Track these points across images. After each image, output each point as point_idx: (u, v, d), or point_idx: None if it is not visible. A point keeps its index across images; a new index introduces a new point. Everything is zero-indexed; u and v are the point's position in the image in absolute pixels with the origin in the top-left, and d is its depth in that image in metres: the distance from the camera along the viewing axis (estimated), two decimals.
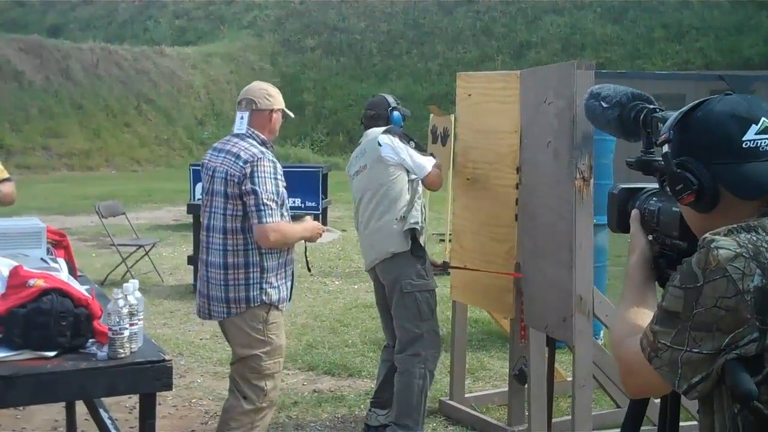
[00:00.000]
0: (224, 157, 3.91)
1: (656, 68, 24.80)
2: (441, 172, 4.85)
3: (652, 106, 1.87)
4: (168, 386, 2.80)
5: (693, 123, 1.59)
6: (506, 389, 4.99)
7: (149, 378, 2.75)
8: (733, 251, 1.45)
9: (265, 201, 3.76)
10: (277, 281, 3.90)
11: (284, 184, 3.92)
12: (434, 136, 9.01)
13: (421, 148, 4.80)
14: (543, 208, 4.21)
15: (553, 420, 4.62)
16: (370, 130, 4.80)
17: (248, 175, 3.77)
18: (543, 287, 4.24)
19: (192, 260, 8.55)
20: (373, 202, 4.65)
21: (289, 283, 3.98)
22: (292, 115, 4.25)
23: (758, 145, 1.53)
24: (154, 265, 9.36)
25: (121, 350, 2.73)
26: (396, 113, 4.85)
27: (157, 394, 2.85)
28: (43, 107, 25.66)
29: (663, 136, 1.64)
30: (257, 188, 3.76)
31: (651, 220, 1.84)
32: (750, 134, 1.53)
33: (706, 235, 1.50)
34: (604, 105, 1.91)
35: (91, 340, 2.82)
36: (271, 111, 4.03)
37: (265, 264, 3.85)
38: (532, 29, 29.92)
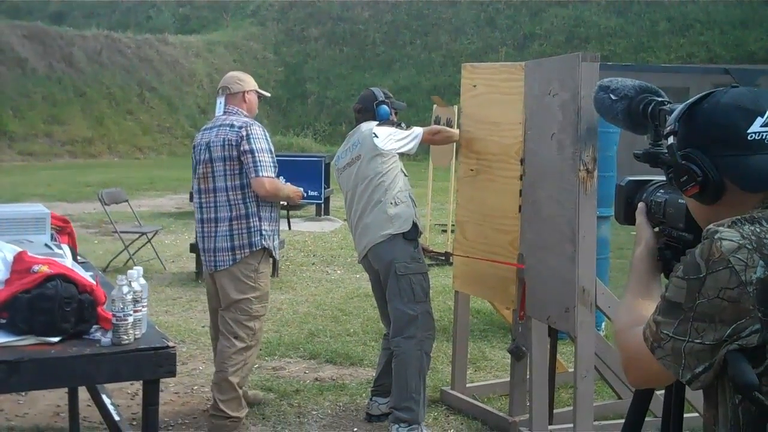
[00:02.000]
0: (218, 129, 4.56)
1: (660, 61, 24.74)
2: (437, 129, 5.23)
3: (660, 99, 1.87)
4: (171, 373, 2.80)
5: (699, 115, 1.59)
6: (507, 379, 5.00)
7: (153, 364, 2.75)
8: (737, 242, 1.45)
9: (260, 158, 4.43)
10: (270, 230, 4.57)
11: (272, 147, 4.58)
12: None
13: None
14: (546, 200, 4.22)
15: (555, 411, 4.64)
16: (362, 124, 4.85)
17: (244, 137, 4.44)
18: (546, 278, 4.25)
19: (194, 248, 8.57)
20: (368, 191, 4.67)
21: (277, 238, 4.67)
22: (267, 94, 5.01)
23: (763, 137, 1.53)
24: (156, 253, 9.37)
25: (125, 336, 2.73)
26: (383, 107, 4.87)
27: (160, 380, 2.85)
28: (46, 94, 25.67)
29: (669, 128, 1.64)
30: (253, 147, 4.42)
31: (657, 212, 1.85)
32: (755, 126, 1.53)
33: (710, 226, 1.51)
34: (613, 97, 1.92)
35: (95, 326, 2.83)
36: (244, 92, 4.72)
37: (261, 214, 4.53)
38: (536, 21, 29.86)
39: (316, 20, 33.44)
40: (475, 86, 4.94)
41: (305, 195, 12.28)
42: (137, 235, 9.51)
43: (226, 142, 4.46)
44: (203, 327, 6.78)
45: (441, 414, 5.04)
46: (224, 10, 35.51)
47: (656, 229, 1.86)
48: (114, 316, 2.73)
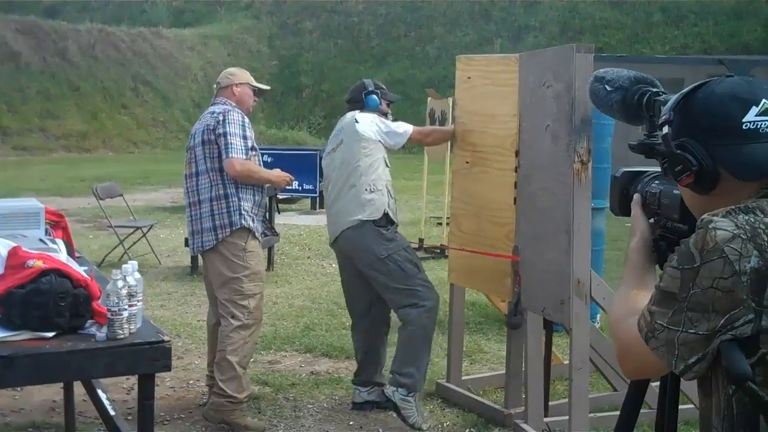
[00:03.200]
0: (203, 118, 4.77)
1: (655, 53, 24.76)
2: (429, 131, 5.33)
3: (655, 90, 1.86)
4: (167, 367, 2.80)
5: (693, 104, 1.58)
6: (503, 372, 5.01)
7: (148, 359, 2.74)
8: (731, 232, 1.45)
9: (232, 141, 4.56)
10: (251, 213, 4.66)
11: (252, 134, 4.70)
12: (432, 119, 9.03)
13: None
14: (541, 192, 4.22)
15: (550, 403, 4.65)
16: (348, 113, 4.93)
17: (221, 122, 4.60)
18: (541, 270, 4.25)
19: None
20: (344, 175, 4.74)
21: (260, 222, 4.76)
22: (265, 87, 5.13)
23: (758, 126, 1.52)
24: (151, 247, 9.36)
25: (120, 331, 2.72)
26: (371, 96, 4.95)
27: (155, 375, 2.85)
28: (40, 89, 25.59)
29: (663, 117, 1.63)
30: (227, 130, 4.57)
31: (652, 203, 1.84)
32: (750, 115, 1.52)
33: (705, 215, 1.50)
34: (608, 88, 1.91)
35: (90, 321, 2.81)
36: (232, 85, 4.83)
37: (241, 195, 4.62)
38: (530, 13, 29.83)
39: (311, 13, 33.37)
40: (469, 78, 4.94)
41: (300, 188, 12.30)
42: (132, 230, 9.49)
43: (206, 128, 4.64)
44: (198, 321, 6.78)
45: (437, 407, 5.04)
46: (218, 3, 35.41)
47: (651, 221, 1.85)
48: (109, 310, 2.72)
